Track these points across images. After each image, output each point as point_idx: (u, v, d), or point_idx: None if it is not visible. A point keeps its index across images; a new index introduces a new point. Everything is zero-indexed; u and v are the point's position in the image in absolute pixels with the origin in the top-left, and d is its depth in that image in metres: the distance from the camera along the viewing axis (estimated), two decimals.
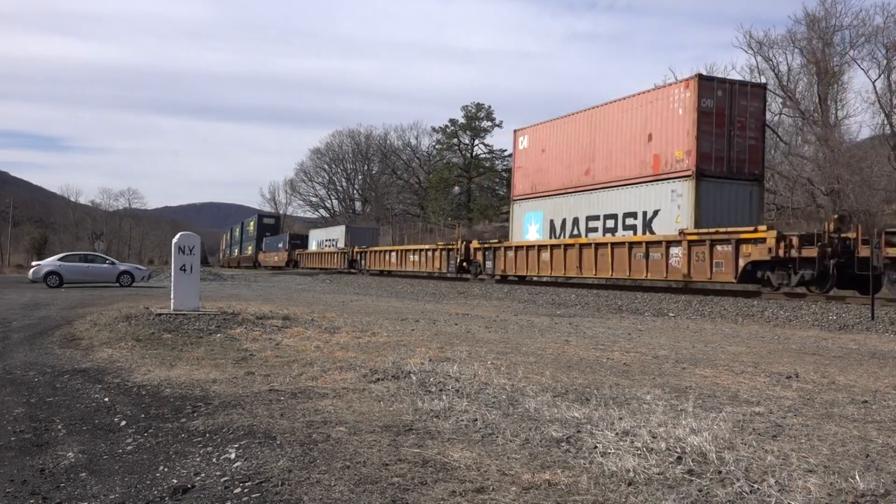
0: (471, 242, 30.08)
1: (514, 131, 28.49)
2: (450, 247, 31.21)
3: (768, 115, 44.12)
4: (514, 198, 28.26)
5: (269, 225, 74.34)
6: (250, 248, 75.17)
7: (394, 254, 37.46)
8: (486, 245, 28.28)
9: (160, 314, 11.20)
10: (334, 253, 46.65)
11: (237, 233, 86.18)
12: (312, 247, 56.61)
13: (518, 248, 25.59)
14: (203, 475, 3.66)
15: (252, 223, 77.68)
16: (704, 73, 21.18)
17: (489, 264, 27.48)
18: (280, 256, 61.70)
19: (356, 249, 42.45)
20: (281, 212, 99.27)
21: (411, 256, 35.00)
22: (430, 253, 33.07)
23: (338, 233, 51.90)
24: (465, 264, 29.77)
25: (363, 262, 41.03)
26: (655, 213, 20.61)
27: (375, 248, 40.78)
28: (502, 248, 26.76)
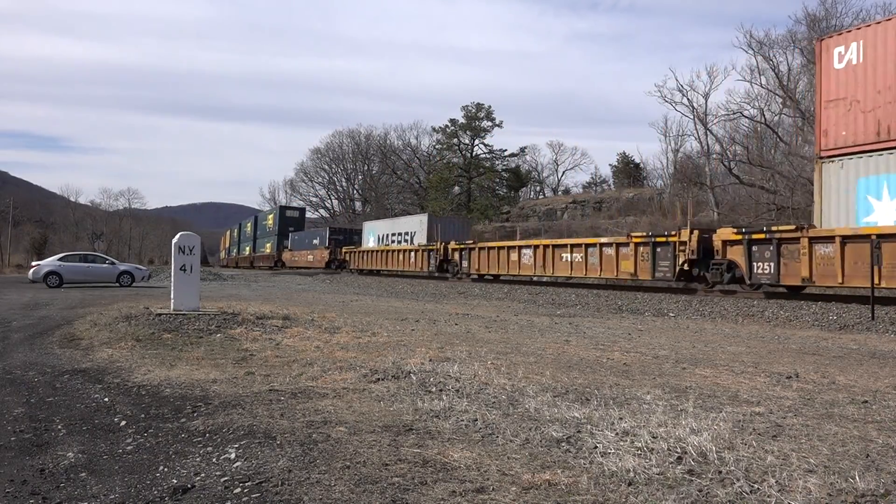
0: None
1: (820, 40, 17.94)
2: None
3: (768, 115, 44.19)
4: (831, 153, 17.16)
5: (293, 218, 64.22)
6: (268, 245, 65.19)
7: (526, 251, 24.84)
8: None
9: (160, 314, 11.20)
10: (411, 251, 34.61)
11: (247, 229, 75.90)
12: (370, 243, 44.89)
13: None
14: (203, 475, 3.66)
15: (271, 217, 68.33)
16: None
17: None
18: (317, 255, 50.90)
19: (452, 246, 30.69)
20: None
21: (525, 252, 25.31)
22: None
23: (414, 224, 40.34)
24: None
25: (465, 262, 29.08)
26: None
27: (488, 244, 28.29)
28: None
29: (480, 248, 27.84)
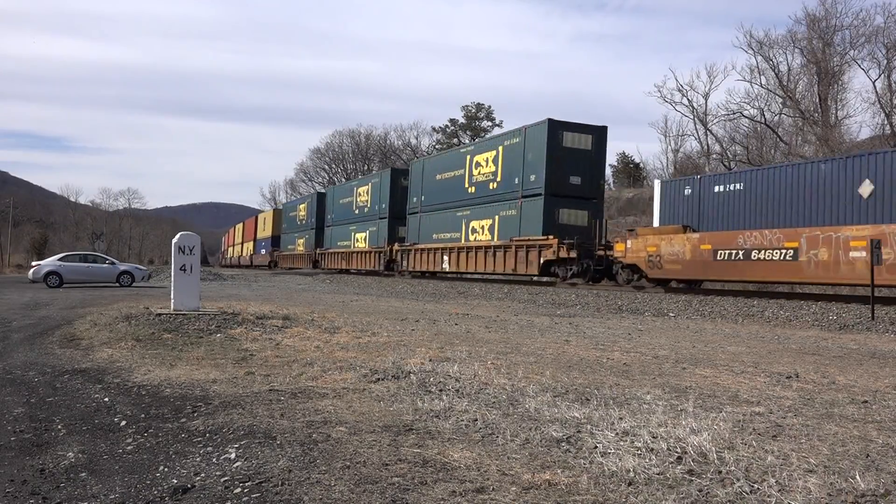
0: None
1: None
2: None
3: (768, 115, 44.20)
4: None
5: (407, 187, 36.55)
6: (368, 232, 39.26)
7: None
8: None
9: (160, 314, 11.20)
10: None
11: (301, 211, 53.16)
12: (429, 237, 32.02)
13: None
14: (203, 475, 3.66)
15: (303, 206, 51.45)
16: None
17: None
18: (370, 257, 37.78)
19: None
20: None
21: None
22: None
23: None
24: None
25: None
26: None
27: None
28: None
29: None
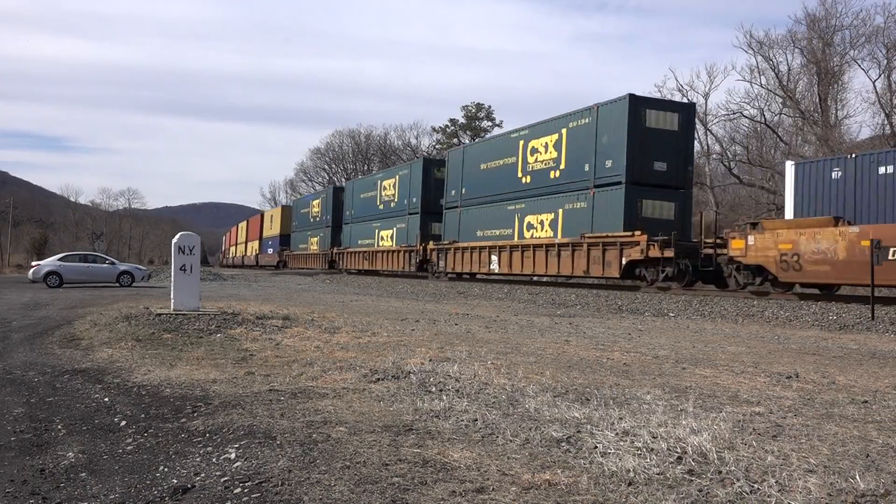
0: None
1: None
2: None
3: (768, 115, 44.21)
4: None
5: (442, 180, 32.25)
6: (315, 241, 44.10)
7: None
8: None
9: (160, 314, 11.20)
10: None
11: (314, 207, 48.98)
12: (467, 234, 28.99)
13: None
14: (203, 475, 3.66)
15: (317, 202, 47.70)
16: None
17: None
18: (399, 257, 33.84)
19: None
20: None
21: None
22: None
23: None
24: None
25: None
26: None
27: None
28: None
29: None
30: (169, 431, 4.58)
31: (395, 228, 35.24)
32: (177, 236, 12.20)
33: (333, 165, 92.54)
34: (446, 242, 30.43)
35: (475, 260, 28.10)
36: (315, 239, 48.26)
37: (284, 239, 56.30)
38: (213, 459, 3.92)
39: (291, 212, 57.01)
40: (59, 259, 27.56)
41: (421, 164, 34.59)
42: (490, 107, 74.52)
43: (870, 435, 4.41)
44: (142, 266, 37.03)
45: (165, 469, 3.80)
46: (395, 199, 35.58)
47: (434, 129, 79.82)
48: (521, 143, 25.74)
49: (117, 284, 26.76)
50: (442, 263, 30.79)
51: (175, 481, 3.58)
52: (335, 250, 43.14)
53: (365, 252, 38.65)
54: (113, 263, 28.31)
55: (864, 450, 4.04)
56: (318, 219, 48.37)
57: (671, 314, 15.29)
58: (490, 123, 74.61)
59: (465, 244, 28.80)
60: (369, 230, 38.75)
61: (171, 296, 11.83)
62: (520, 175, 25.73)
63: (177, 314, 11.22)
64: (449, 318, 13.04)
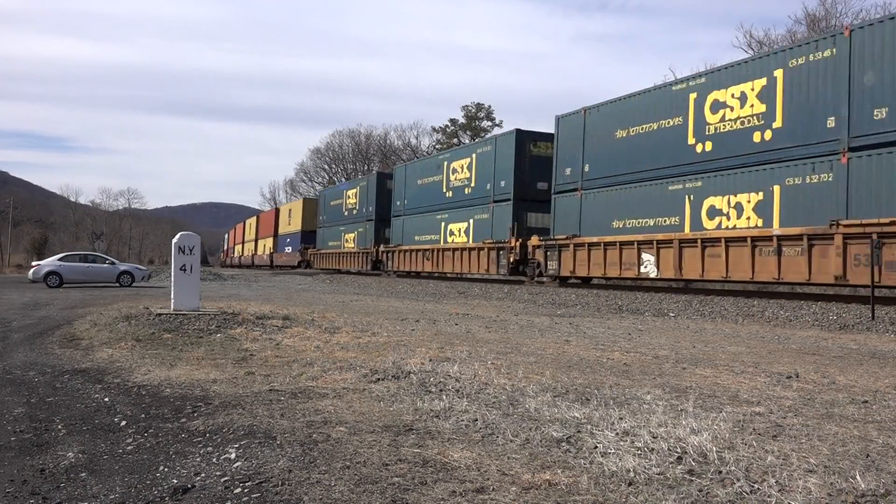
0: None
1: None
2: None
3: None
4: None
5: (541, 157, 25.56)
6: (350, 237, 39.44)
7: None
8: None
9: (160, 314, 11.20)
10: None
11: (350, 198, 41.80)
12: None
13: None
14: (203, 475, 3.66)
15: (353, 192, 41.19)
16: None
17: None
18: (482, 257, 26.62)
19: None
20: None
21: None
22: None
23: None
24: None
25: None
26: None
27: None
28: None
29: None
30: (169, 431, 4.57)
31: (471, 221, 28.18)
32: (177, 236, 12.20)
33: (333, 165, 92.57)
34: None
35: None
36: (351, 235, 40.90)
37: (307, 235, 49.40)
38: (214, 459, 3.92)
39: (317, 204, 49.63)
40: (59, 259, 27.57)
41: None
42: (490, 107, 74.55)
43: (870, 435, 4.41)
44: (142, 266, 37.03)
45: (165, 469, 3.80)
46: (473, 184, 28.46)
47: (434, 129, 79.84)
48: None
49: (117, 284, 26.76)
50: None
51: (175, 481, 3.58)
52: (381, 248, 36.31)
53: (426, 250, 31.42)
54: (113, 263, 28.32)
55: (864, 450, 4.04)
56: (355, 211, 40.92)
57: (671, 314, 15.29)
58: (490, 123, 74.63)
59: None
60: (430, 223, 31.77)
61: (171, 296, 11.83)
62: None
63: (177, 314, 11.22)
64: (449, 318, 13.04)
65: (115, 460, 4.00)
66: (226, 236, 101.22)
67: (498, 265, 25.97)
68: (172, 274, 11.95)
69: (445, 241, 30.05)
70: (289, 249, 53.98)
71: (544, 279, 23.91)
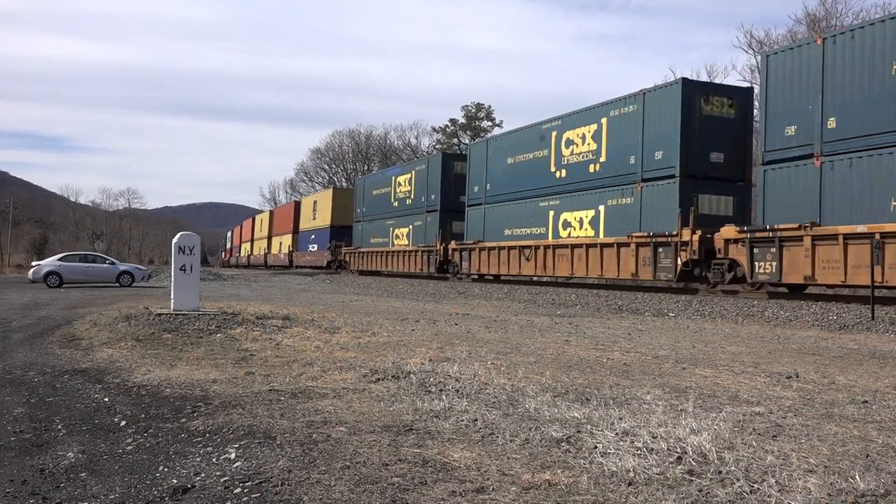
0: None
1: None
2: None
3: None
4: None
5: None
6: (404, 231, 33.89)
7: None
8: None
9: (160, 314, 11.20)
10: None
11: (403, 185, 34.82)
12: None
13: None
14: (203, 475, 3.66)
15: (405, 178, 34.53)
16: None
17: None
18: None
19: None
20: None
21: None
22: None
23: None
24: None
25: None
26: None
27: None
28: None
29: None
30: (169, 431, 4.58)
31: (597, 209, 21.64)
32: (177, 236, 12.20)
33: (333, 165, 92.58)
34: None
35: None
36: (404, 230, 34.07)
37: (339, 231, 42.74)
38: (213, 459, 3.92)
39: (352, 195, 43.06)
40: (59, 259, 27.58)
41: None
42: (490, 107, 74.50)
43: (870, 435, 4.41)
44: (142, 266, 37.04)
45: (165, 469, 3.80)
46: (602, 160, 21.62)
47: (434, 129, 79.82)
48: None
49: (117, 284, 26.76)
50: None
51: (175, 481, 3.58)
52: (452, 245, 29.74)
53: (524, 246, 24.63)
54: (113, 263, 28.32)
55: (864, 450, 4.04)
56: (409, 201, 33.88)
57: (671, 314, 15.29)
58: (490, 123, 74.62)
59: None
60: (527, 214, 25.04)
61: (171, 296, 11.83)
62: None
63: (177, 314, 11.22)
64: (449, 318, 13.04)
65: (114, 460, 4.00)
66: (228, 234, 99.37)
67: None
68: (172, 274, 11.96)
69: (556, 236, 23.32)
70: (314, 248, 47.37)
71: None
